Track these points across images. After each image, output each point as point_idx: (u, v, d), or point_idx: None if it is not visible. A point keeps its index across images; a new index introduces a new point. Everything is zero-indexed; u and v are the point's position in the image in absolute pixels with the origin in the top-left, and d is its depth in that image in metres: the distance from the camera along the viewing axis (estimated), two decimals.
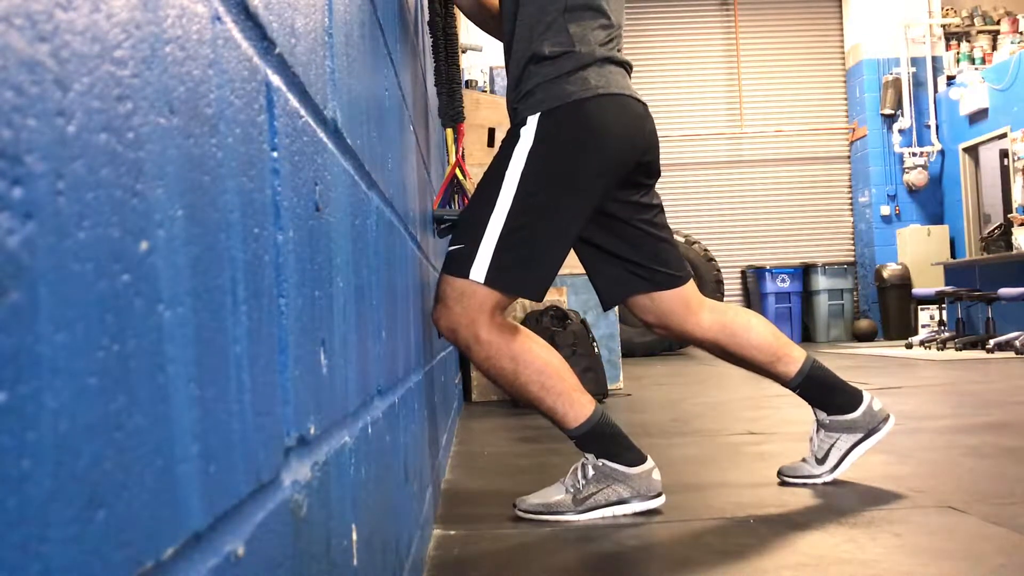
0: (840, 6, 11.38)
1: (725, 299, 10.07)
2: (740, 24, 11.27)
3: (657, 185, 2.23)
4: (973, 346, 7.89)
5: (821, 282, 10.59)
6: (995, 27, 10.82)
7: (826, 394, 2.25)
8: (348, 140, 0.95)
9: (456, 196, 2.62)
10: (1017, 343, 7.10)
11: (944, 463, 2.47)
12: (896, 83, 10.73)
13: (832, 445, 2.24)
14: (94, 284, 0.35)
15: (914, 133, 10.84)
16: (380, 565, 1.01)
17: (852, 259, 11.32)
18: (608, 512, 2.00)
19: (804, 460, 2.27)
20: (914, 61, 10.87)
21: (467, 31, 7.06)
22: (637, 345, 8.91)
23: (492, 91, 6.64)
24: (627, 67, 2.09)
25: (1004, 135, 9.58)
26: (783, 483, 2.25)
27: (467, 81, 6.37)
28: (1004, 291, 7.64)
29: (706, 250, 9.88)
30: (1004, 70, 9.68)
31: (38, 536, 0.30)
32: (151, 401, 0.40)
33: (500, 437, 3.44)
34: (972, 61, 10.68)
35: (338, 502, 0.78)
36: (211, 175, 0.50)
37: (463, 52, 5.87)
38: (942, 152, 10.80)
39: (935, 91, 10.87)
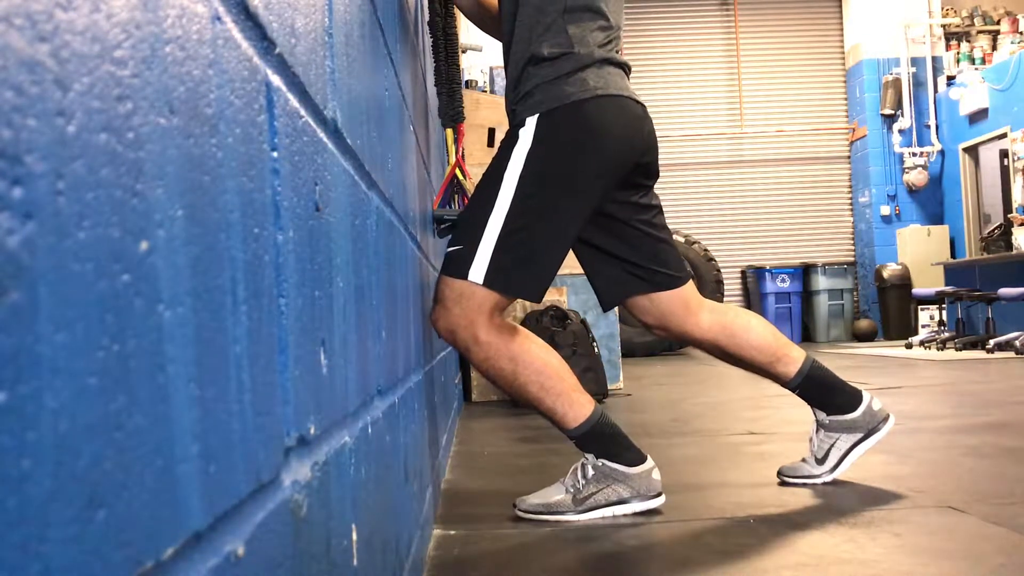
0: (840, 6, 11.38)
1: (725, 299, 10.07)
2: (740, 24, 11.27)
3: (657, 185, 2.23)
4: (973, 346, 7.89)
5: (821, 282, 10.59)
6: (995, 27, 10.82)
7: (826, 394, 2.25)
8: (348, 140, 0.95)
9: (456, 196, 2.62)
10: (1017, 343, 7.10)
11: (944, 463, 2.47)
12: (896, 83, 10.73)
13: (832, 445, 2.24)
14: (94, 284, 0.35)
15: (914, 133, 10.84)
16: (380, 565, 1.01)
17: (852, 259, 11.32)
18: (608, 512, 2.00)
19: (804, 460, 2.27)
20: (914, 61, 10.87)
21: (467, 31, 7.06)
22: (637, 345, 8.91)
23: (492, 91, 6.64)
24: (626, 68, 2.09)
25: (1004, 135, 9.58)
26: (783, 483, 2.25)
27: (467, 81, 6.37)
28: (1004, 291, 7.64)
29: (706, 250, 9.88)
30: (1004, 70, 9.68)
31: (38, 536, 0.30)
32: (151, 401, 0.40)
33: (500, 437, 3.44)
34: (972, 61, 10.68)
35: (338, 502, 0.78)
36: (211, 175, 0.50)
37: (463, 52, 5.87)
38: (942, 152, 10.80)
39: (935, 91, 10.87)
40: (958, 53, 10.80)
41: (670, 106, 11.05)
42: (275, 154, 0.63)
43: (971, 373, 5.62)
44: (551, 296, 4.88)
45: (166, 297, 0.42)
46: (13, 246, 0.29)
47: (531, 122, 1.97)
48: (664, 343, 9.15)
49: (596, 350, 4.62)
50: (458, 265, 1.96)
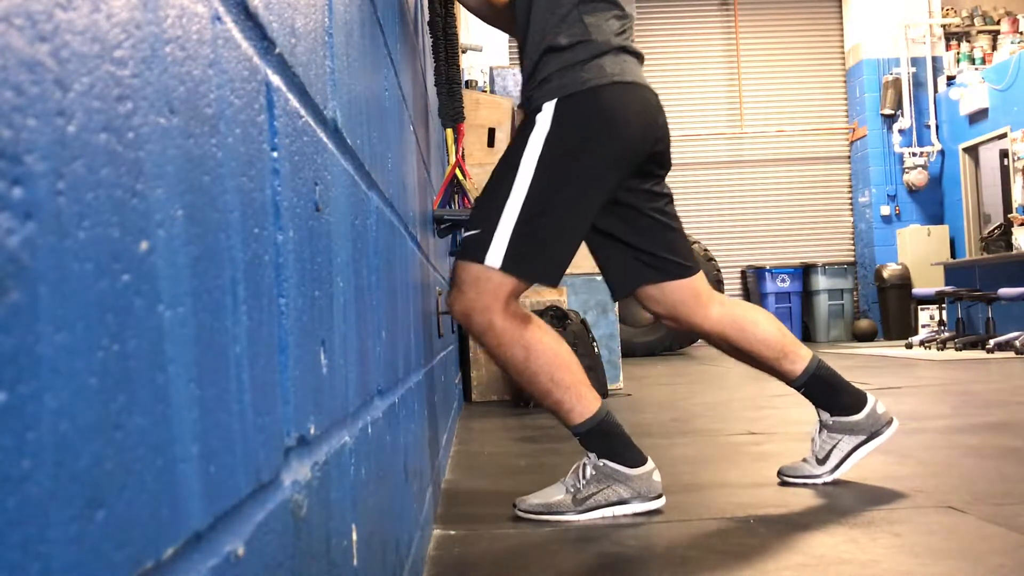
0: (840, 6, 11.38)
1: None
2: (740, 24, 11.27)
3: None
4: (973, 346, 7.89)
5: (821, 282, 10.59)
6: (995, 27, 10.82)
7: (831, 395, 2.25)
8: (348, 140, 0.95)
9: (456, 196, 2.62)
10: (1017, 343, 7.10)
11: (944, 463, 2.47)
12: (896, 83, 10.73)
13: (834, 446, 2.23)
14: (94, 284, 0.35)
15: (914, 133, 10.84)
16: (380, 565, 1.01)
17: (852, 259, 11.32)
18: (608, 512, 2.00)
19: (805, 460, 2.27)
20: (914, 61, 10.88)
21: (467, 31, 7.05)
22: (637, 345, 8.91)
23: (492, 91, 6.64)
24: (640, 58, 2.10)
25: (1004, 135, 9.58)
26: (783, 483, 2.25)
27: (467, 81, 6.37)
28: (1004, 291, 7.64)
29: (706, 250, 9.88)
30: (1004, 70, 9.68)
31: (38, 536, 0.30)
32: (151, 401, 0.40)
33: (500, 437, 3.44)
34: (972, 61, 10.68)
35: (338, 502, 0.78)
36: (211, 175, 0.50)
37: (463, 52, 5.87)
38: (942, 152, 10.81)
39: (935, 91, 10.87)
40: (958, 53, 10.80)
41: (670, 106, 10.93)
42: (275, 154, 0.63)
43: (971, 373, 5.62)
44: (551, 296, 4.88)
45: (166, 297, 0.42)
46: (13, 246, 0.29)
47: (548, 107, 1.97)
48: (664, 343, 9.15)
49: (596, 350, 4.62)
50: (475, 249, 1.97)
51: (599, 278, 5.22)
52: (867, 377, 5.36)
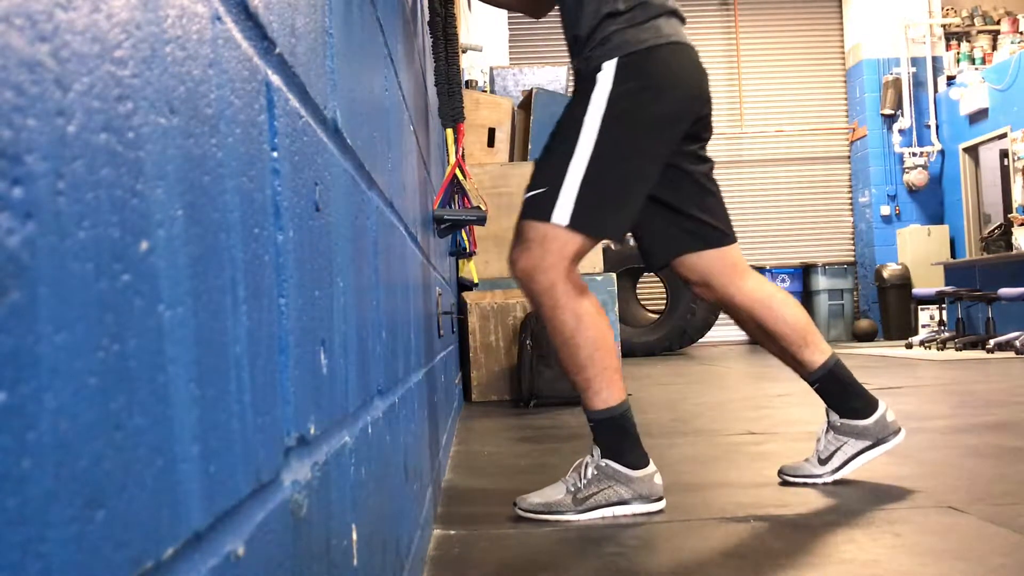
0: (840, 6, 11.38)
1: None
2: (740, 24, 11.27)
3: None
4: (973, 346, 7.89)
5: (821, 282, 10.59)
6: (995, 27, 10.82)
7: (843, 395, 2.25)
8: (348, 140, 0.95)
9: (456, 196, 2.62)
10: (1017, 343, 7.10)
11: (944, 463, 2.47)
12: (896, 83, 10.73)
13: (839, 448, 2.23)
14: (94, 284, 0.35)
15: (914, 133, 10.84)
16: (380, 565, 1.01)
17: (852, 259, 11.32)
18: (608, 512, 2.00)
19: (807, 460, 2.27)
20: (914, 61, 10.87)
21: (467, 31, 7.05)
22: (637, 345, 8.91)
23: (492, 91, 6.63)
24: (684, 22, 2.18)
25: (1004, 135, 9.58)
26: (784, 482, 2.25)
27: (467, 81, 6.37)
28: (1004, 291, 7.64)
29: None
30: (1004, 70, 9.68)
31: (38, 536, 0.30)
32: (151, 401, 0.40)
33: (500, 437, 3.44)
34: (972, 61, 10.68)
35: (338, 502, 0.78)
36: (211, 175, 0.50)
37: (463, 52, 5.87)
38: (942, 152, 10.80)
39: (935, 91, 10.87)
40: (958, 53, 10.80)
41: None
42: (275, 154, 0.63)
43: (971, 373, 5.62)
44: None
45: (166, 297, 0.42)
46: (13, 246, 0.29)
47: (609, 66, 2.00)
48: (664, 343, 9.15)
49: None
50: (541, 208, 1.98)
51: (599, 278, 5.22)
52: (867, 377, 5.36)
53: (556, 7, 2.21)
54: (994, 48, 10.69)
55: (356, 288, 0.96)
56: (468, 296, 4.86)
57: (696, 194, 2.19)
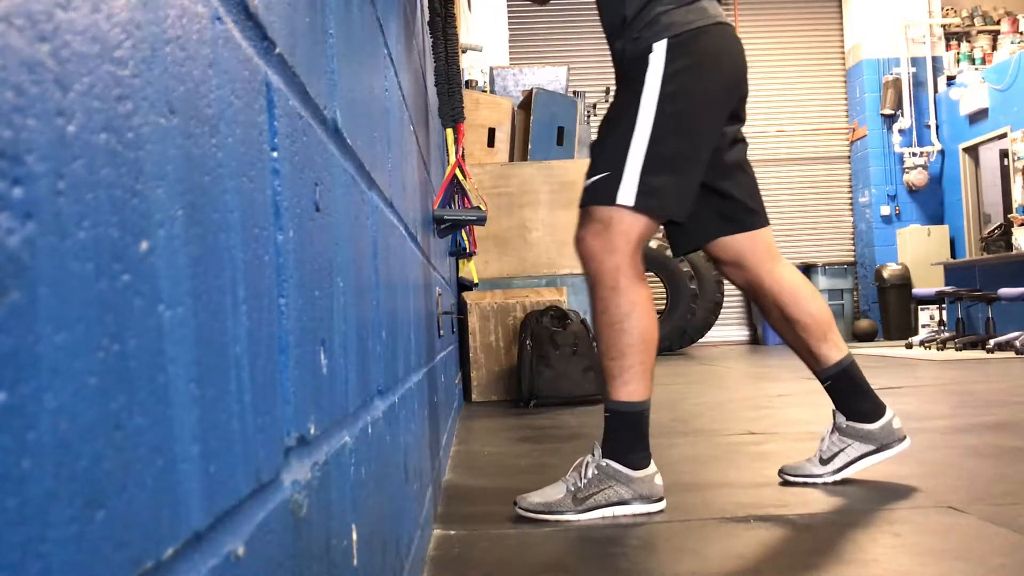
0: (840, 6, 11.38)
1: (725, 299, 10.07)
2: (740, 24, 11.27)
3: None
4: (973, 346, 7.89)
5: (821, 282, 10.59)
6: (995, 27, 10.82)
7: (853, 396, 2.25)
8: (348, 140, 0.95)
9: (456, 196, 2.62)
10: (1017, 343, 7.10)
11: (944, 463, 2.47)
12: (896, 83, 10.73)
13: (842, 450, 2.23)
14: (94, 284, 0.35)
15: (914, 133, 10.84)
16: (380, 565, 1.01)
17: (852, 259, 11.32)
18: (608, 512, 2.00)
19: (808, 460, 2.27)
20: (914, 61, 10.87)
21: (467, 31, 7.05)
22: None
23: (492, 91, 6.63)
24: (723, 3, 2.21)
25: (1004, 135, 9.58)
26: (784, 482, 2.25)
27: (467, 81, 6.37)
28: (1004, 291, 7.64)
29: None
30: (1004, 70, 9.68)
31: (38, 536, 0.30)
32: (151, 401, 0.40)
33: (500, 437, 3.44)
34: (972, 61, 10.68)
35: (338, 502, 0.78)
36: (211, 175, 0.50)
37: (463, 52, 5.87)
38: (942, 152, 10.80)
39: (935, 91, 10.87)
40: (958, 53, 10.80)
41: None
42: (275, 154, 0.63)
43: (971, 373, 5.62)
44: (551, 296, 4.88)
45: (166, 297, 0.42)
46: (13, 246, 0.29)
47: (660, 47, 2.02)
48: (664, 342, 9.15)
49: (596, 350, 4.61)
50: (605, 191, 2.00)
51: None
52: (868, 377, 5.36)
53: None
54: (994, 48, 10.69)
55: (356, 288, 0.96)
56: (468, 296, 4.86)
57: (735, 176, 2.22)
